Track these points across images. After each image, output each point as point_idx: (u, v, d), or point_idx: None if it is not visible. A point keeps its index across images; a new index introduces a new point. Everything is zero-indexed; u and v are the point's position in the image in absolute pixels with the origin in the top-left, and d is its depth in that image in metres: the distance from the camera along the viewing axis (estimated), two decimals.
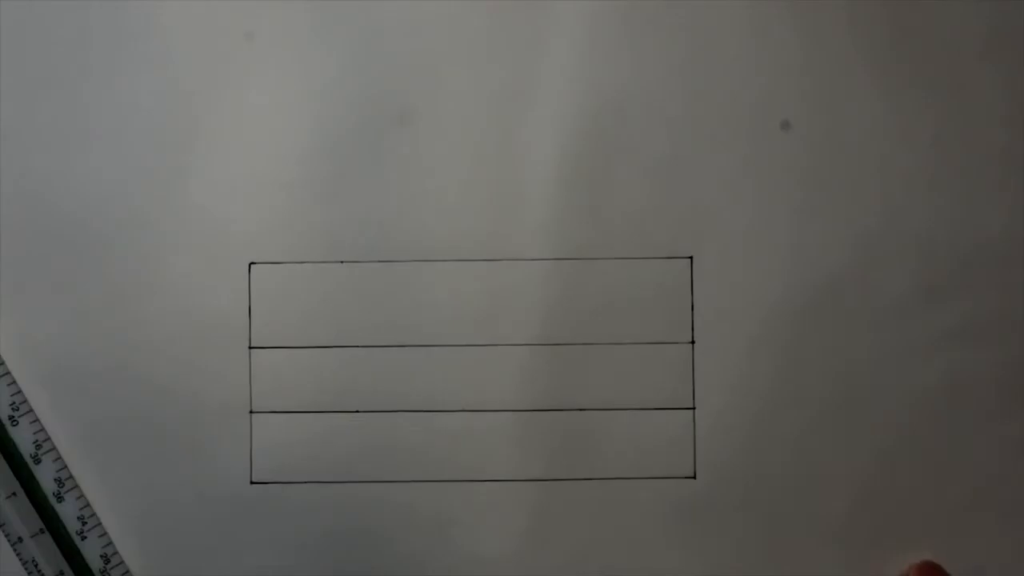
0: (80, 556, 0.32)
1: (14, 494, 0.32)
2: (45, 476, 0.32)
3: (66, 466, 0.32)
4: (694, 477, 0.32)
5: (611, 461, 0.33)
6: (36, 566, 0.32)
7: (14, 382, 0.32)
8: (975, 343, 0.32)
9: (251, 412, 0.32)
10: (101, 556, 0.32)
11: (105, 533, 0.32)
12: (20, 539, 0.32)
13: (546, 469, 0.33)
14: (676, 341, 0.33)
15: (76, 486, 0.32)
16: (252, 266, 0.33)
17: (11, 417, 0.32)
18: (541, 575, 0.32)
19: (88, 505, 0.32)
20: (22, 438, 0.32)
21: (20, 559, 0.32)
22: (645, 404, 0.33)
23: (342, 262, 0.33)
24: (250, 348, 0.33)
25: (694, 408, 0.32)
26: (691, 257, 0.33)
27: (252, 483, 0.32)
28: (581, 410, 0.33)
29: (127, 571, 0.32)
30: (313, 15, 0.33)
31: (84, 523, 0.32)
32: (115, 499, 0.32)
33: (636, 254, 0.33)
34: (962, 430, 0.32)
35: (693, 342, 0.33)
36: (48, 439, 0.32)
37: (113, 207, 0.33)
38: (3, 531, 0.32)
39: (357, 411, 0.33)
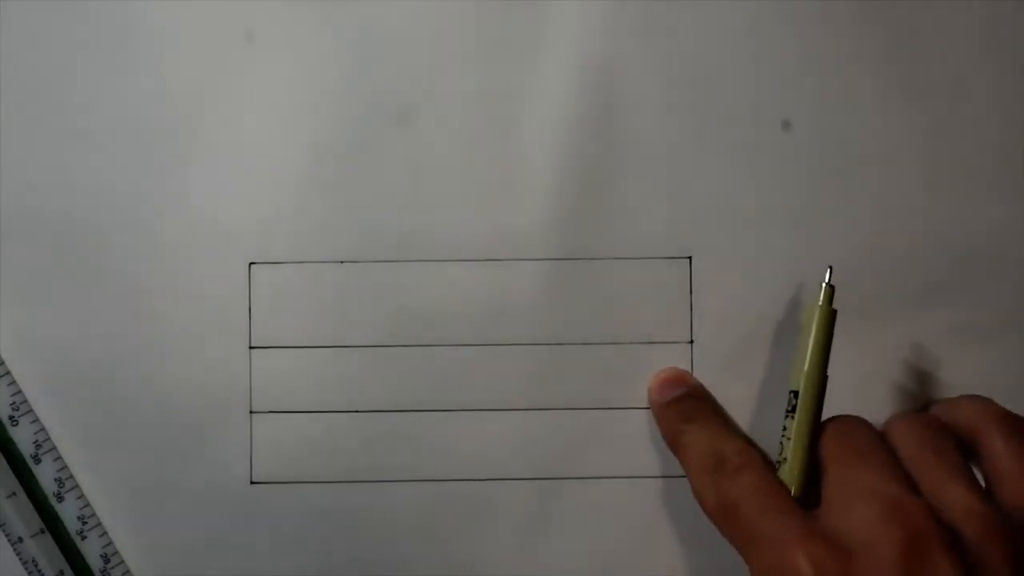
0: (80, 556, 0.32)
1: (14, 494, 0.32)
2: (45, 476, 0.32)
3: (66, 466, 0.32)
4: None
5: (611, 461, 0.33)
6: (36, 566, 0.32)
7: (14, 382, 0.32)
8: (975, 343, 0.32)
9: (251, 412, 0.32)
10: (101, 556, 0.32)
11: (105, 533, 0.32)
12: (20, 539, 0.32)
13: (546, 469, 0.33)
14: (675, 341, 0.33)
15: (76, 486, 0.32)
16: (252, 266, 0.33)
17: (11, 417, 0.32)
18: (541, 575, 0.32)
19: (88, 505, 0.32)
20: (22, 438, 0.32)
21: (20, 559, 0.32)
22: (645, 404, 0.33)
23: (342, 262, 0.33)
24: (250, 348, 0.32)
25: None
26: (690, 257, 0.33)
27: (252, 483, 0.32)
28: (581, 410, 0.33)
29: (127, 571, 0.32)
30: (313, 15, 0.33)
31: (84, 523, 0.32)
32: (115, 499, 0.32)
33: (636, 254, 0.33)
34: None
35: (692, 342, 0.33)
36: (48, 439, 0.32)
37: (113, 207, 0.33)
38: (3, 531, 0.32)
39: (357, 411, 0.33)
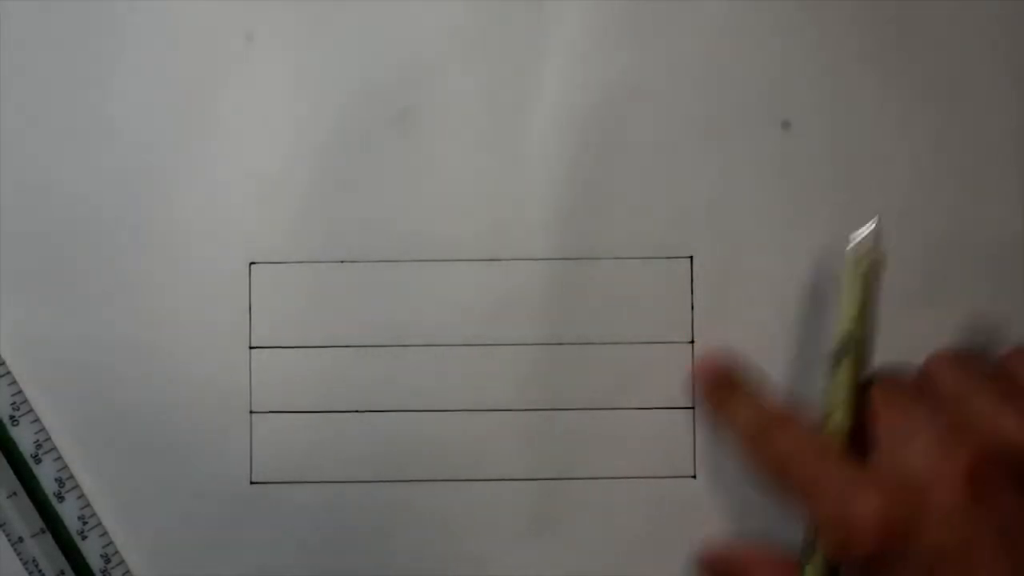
0: (80, 556, 0.32)
1: (14, 494, 0.32)
2: (45, 476, 0.32)
3: (66, 466, 0.32)
4: (694, 477, 0.32)
5: (611, 461, 0.33)
6: (36, 566, 0.32)
7: (14, 382, 0.32)
8: (975, 343, 0.32)
9: (251, 412, 0.32)
10: (101, 556, 0.32)
11: (106, 533, 0.32)
12: (21, 539, 0.32)
13: (546, 469, 0.33)
14: (676, 341, 0.33)
15: (76, 486, 0.32)
16: (252, 266, 0.33)
17: (11, 417, 0.32)
18: (541, 575, 0.32)
19: (88, 505, 0.32)
20: (22, 438, 0.32)
21: (20, 559, 0.32)
22: (645, 404, 0.33)
23: (342, 262, 0.33)
24: (250, 348, 0.33)
25: (694, 408, 0.32)
26: (691, 257, 0.33)
27: (252, 483, 0.32)
28: (581, 410, 0.33)
29: (127, 571, 0.32)
30: (313, 15, 0.33)
31: (84, 523, 0.32)
32: (115, 499, 0.32)
33: (636, 254, 0.33)
34: None
35: (692, 342, 0.33)
36: (48, 439, 0.32)
37: (113, 207, 0.33)
38: (3, 531, 0.32)
39: (357, 411, 0.33)
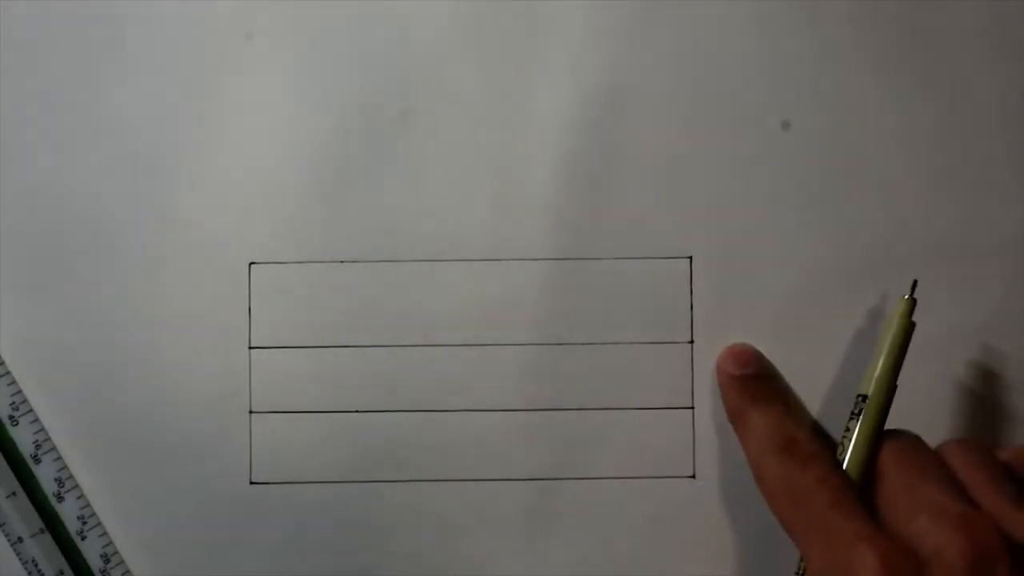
0: (80, 556, 0.32)
1: (14, 494, 0.32)
2: (45, 476, 0.32)
3: (66, 466, 0.32)
4: (694, 477, 0.32)
5: (611, 461, 0.33)
6: (36, 566, 0.32)
7: (14, 382, 0.32)
8: (975, 343, 0.32)
9: (251, 412, 0.32)
10: (101, 556, 0.32)
11: (105, 533, 0.32)
12: (20, 539, 0.32)
13: (546, 469, 0.33)
14: (676, 341, 0.33)
15: (76, 486, 0.32)
16: (252, 266, 0.33)
17: (11, 417, 0.32)
18: (541, 575, 0.32)
19: (88, 505, 0.32)
20: (22, 438, 0.32)
21: (20, 559, 0.32)
22: (645, 404, 0.33)
23: (342, 262, 0.33)
24: (250, 348, 0.33)
25: (694, 408, 0.32)
26: (691, 257, 0.33)
27: (252, 483, 0.32)
28: (581, 410, 0.33)
29: (127, 571, 0.32)
30: (313, 15, 0.33)
31: (84, 523, 0.32)
32: (115, 499, 0.32)
33: (636, 254, 0.33)
34: (963, 430, 0.32)
35: (692, 342, 0.33)
36: (48, 439, 0.32)
37: (113, 207, 0.33)
38: (3, 531, 0.32)
39: (357, 411, 0.33)
